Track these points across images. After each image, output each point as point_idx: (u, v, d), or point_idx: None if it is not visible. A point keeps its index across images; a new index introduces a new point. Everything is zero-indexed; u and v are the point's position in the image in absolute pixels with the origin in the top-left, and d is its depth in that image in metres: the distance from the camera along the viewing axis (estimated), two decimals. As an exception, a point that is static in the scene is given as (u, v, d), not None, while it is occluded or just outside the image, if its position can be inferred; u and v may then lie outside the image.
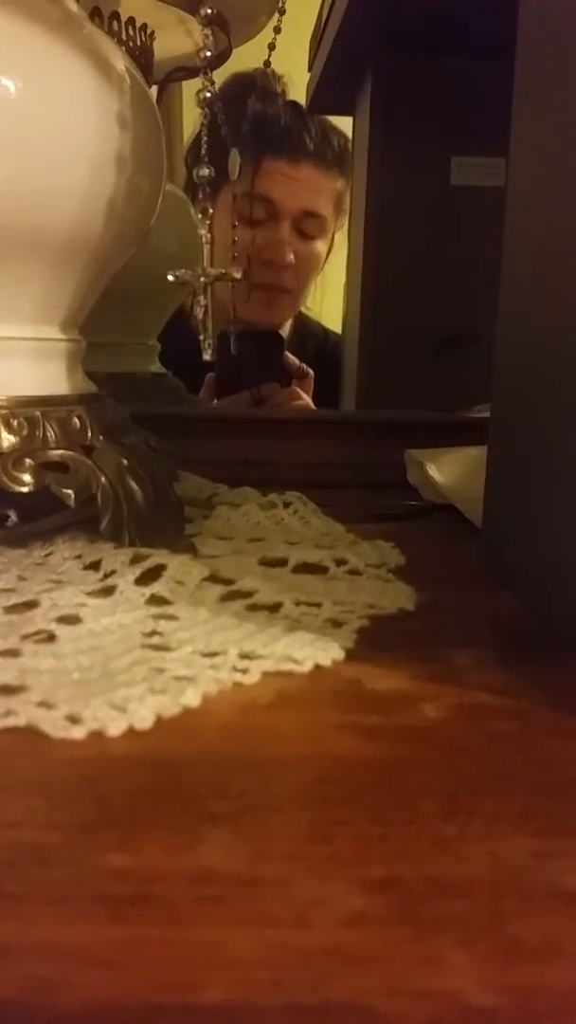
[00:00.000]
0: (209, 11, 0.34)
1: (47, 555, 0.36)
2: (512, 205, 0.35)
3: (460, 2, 0.55)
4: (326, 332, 1.06)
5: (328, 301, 1.07)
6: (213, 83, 0.35)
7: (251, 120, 0.86)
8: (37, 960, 0.14)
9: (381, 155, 0.66)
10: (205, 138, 0.33)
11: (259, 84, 0.90)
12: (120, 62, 0.36)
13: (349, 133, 0.76)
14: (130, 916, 0.15)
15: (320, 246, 1.01)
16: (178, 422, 0.58)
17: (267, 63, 0.54)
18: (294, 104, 0.95)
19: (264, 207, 0.95)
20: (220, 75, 0.38)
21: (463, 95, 0.63)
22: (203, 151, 0.33)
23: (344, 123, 0.77)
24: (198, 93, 0.34)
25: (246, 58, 0.56)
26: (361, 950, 0.14)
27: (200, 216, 0.35)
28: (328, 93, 0.75)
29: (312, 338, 1.06)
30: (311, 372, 0.84)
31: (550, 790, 0.20)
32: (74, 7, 0.37)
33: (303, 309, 1.07)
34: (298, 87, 0.84)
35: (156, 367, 0.73)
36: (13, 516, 0.40)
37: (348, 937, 0.15)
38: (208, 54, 0.34)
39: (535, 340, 0.33)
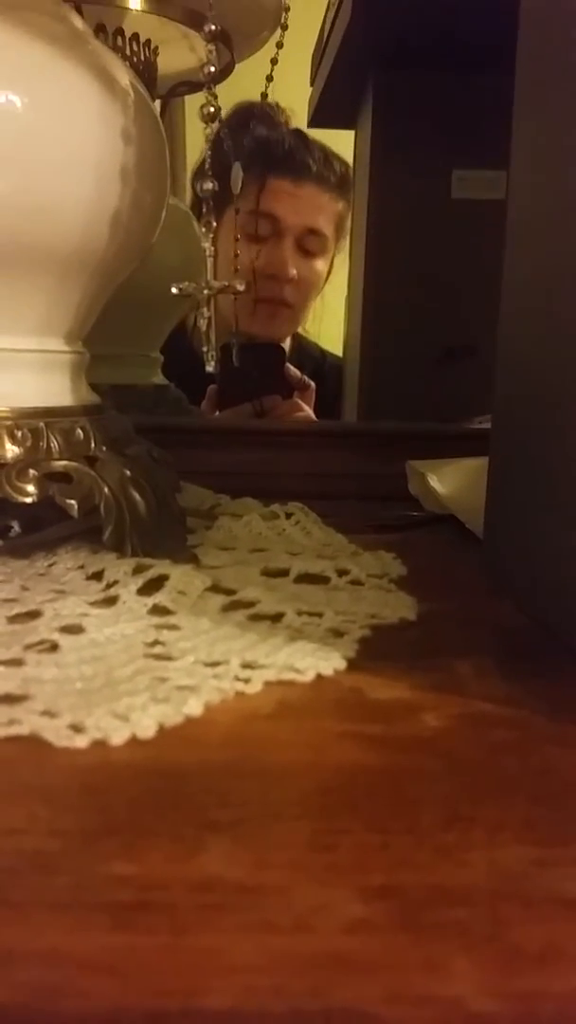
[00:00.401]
0: (213, 27, 0.34)
1: (50, 565, 0.36)
2: (513, 218, 0.36)
3: (461, 17, 0.56)
4: (323, 353, 1.08)
5: (326, 324, 1.09)
6: (216, 97, 0.36)
7: (256, 142, 0.91)
8: (40, 966, 0.14)
9: (382, 168, 0.66)
10: (209, 153, 0.34)
11: (263, 112, 0.94)
12: (124, 77, 0.37)
13: (351, 147, 0.77)
14: (132, 923, 0.15)
15: (321, 265, 1.04)
16: (180, 433, 0.58)
17: (269, 77, 0.54)
18: (297, 130, 0.99)
19: (268, 224, 0.98)
20: (223, 92, 0.38)
21: (464, 109, 0.63)
22: (207, 165, 0.34)
23: (346, 137, 0.77)
24: (202, 108, 0.34)
25: (249, 73, 0.57)
26: (362, 957, 0.14)
27: (204, 230, 0.35)
28: (330, 107, 0.75)
29: (309, 359, 1.07)
30: (312, 384, 0.85)
31: (550, 799, 0.20)
32: (79, 24, 0.37)
33: (300, 330, 1.08)
34: (299, 113, 0.86)
35: (159, 379, 0.74)
36: (16, 527, 0.40)
37: (349, 944, 0.15)
38: (212, 69, 0.34)
39: (536, 352, 0.33)
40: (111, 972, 0.14)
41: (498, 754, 0.22)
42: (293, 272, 0.99)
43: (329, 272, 1.05)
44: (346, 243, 0.99)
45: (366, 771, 0.21)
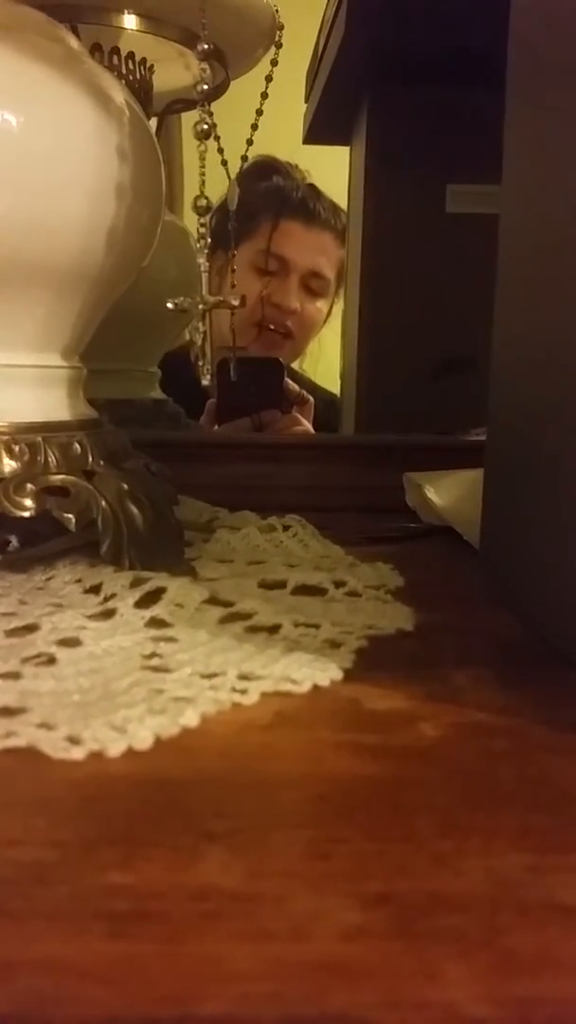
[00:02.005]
0: (206, 46, 0.35)
1: (48, 579, 0.36)
2: (505, 231, 0.36)
3: (454, 33, 0.57)
4: (315, 387, 1.10)
5: (322, 365, 1.15)
6: (211, 115, 0.36)
7: (274, 189, 1.05)
8: (37, 975, 0.14)
9: (377, 183, 0.67)
10: (202, 170, 0.34)
11: (283, 167, 1.09)
12: (120, 96, 0.37)
13: (345, 163, 0.77)
14: (129, 931, 0.15)
15: (322, 305, 1.13)
16: (179, 447, 0.58)
17: (264, 94, 0.55)
18: (311, 184, 1.10)
19: (277, 262, 1.07)
20: (219, 109, 0.39)
21: (457, 124, 0.64)
22: (202, 182, 0.34)
23: (341, 153, 0.78)
24: (196, 125, 0.34)
25: (245, 90, 0.58)
26: (359, 963, 0.15)
27: (199, 246, 0.36)
28: (325, 123, 0.76)
29: None
30: (311, 399, 0.85)
31: (546, 807, 0.20)
32: (75, 44, 0.38)
33: (295, 366, 1.11)
34: (295, 129, 0.87)
35: (157, 393, 0.74)
36: (14, 541, 0.40)
37: (346, 950, 0.15)
38: (205, 87, 0.34)
39: (529, 364, 0.33)
40: (108, 980, 0.14)
41: (495, 763, 0.22)
42: (296, 305, 1.08)
43: (329, 313, 1.14)
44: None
45: (363, 780, 0.21)
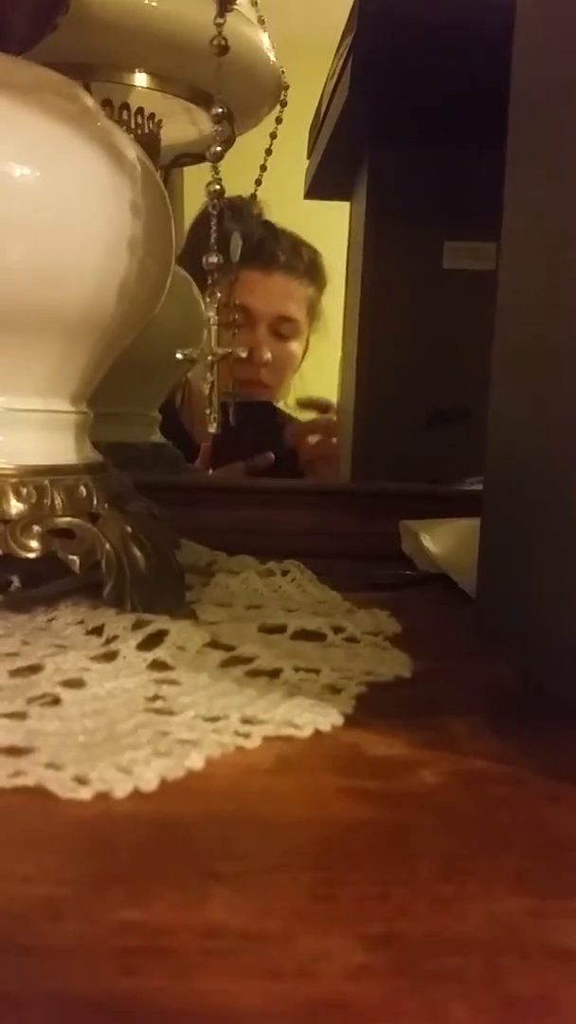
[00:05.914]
0: (220, 110, 0.36)
1: (50, 620, 0.37)
2: (503, 288, 0.37)
3: (454, 95, 0.58)
4: None
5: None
6: (218, 171, 0.37)
7: (227, 237, 0.97)
8: (49, 1011, 0.15)
9: (376, 239, 0.68)
10: (214, 227, 0.35)
11: (237, 206, 1.00)
12: (132, 152, 0.38)
13: (345, 217, 0.79)
14: (139, 968, 0.16)
15: (295, 347, 1.12)
16: (179, 491, 0.59)
17: (268, 151, 0.57)
18: (266, 222, 1.07)
19: (240, 314, 1.05)
20: (224, 162, 0.40)
21: (456, 183, 0.66)
22: (212, 240, 0.35)
23: (341, 208, 0.80)
24: (208, 185, 0.36)
25: (250, 142, 0.60)
26: (363, 1002, 0.15)
27: (208, 300, 0.37)
28: (326, 179, 0.78)
29: None
30: (334, 418, 0.87)
31: (544, 852, 0.20)
32: (89, 102, 0.39)
33: (281, 405, 1.12)
34: (296, 184, 0.88)
35: (157, 437, 0.75)
36: (16, 582, 0.40)
37: (350, 989, 0.15)
38: (219, 149, 0.36)
39: (526, 416, 0.34)
40: (119, 1016, 0.14)
41: (493, 809, 0.23)
42: (267, 356, 1.06)
43: (305, 351, 1.13)
44: (320, 324, 1.10)
45: (365, 825, 0.21)
